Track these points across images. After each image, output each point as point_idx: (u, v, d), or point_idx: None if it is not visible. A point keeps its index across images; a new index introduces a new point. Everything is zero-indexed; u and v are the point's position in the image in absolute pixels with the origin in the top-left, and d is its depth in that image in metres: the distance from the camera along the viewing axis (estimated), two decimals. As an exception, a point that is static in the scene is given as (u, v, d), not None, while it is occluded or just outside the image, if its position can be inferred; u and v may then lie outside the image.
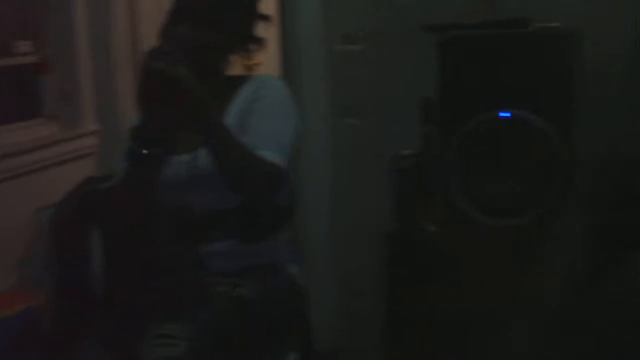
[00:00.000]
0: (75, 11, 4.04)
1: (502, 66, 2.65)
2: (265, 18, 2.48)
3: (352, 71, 3.44)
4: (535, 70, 2.63)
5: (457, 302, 2.50)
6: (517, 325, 2.47)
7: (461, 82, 2.68)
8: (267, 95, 2.31)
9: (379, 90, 3.24)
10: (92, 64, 4.12)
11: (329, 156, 3.55)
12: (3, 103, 3.97)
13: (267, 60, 2.53)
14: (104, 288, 2.48)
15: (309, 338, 2.48)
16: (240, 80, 2.41)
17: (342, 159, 3.51)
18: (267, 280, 2.33)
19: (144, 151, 2.08)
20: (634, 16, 2.82)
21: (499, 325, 2.48)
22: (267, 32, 2.47)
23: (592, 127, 2.73)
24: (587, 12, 2.89)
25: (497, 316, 2.46)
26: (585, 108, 2.69)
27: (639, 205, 2.55)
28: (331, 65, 3.57)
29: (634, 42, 2.82)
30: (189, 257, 2.31)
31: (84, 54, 4.09)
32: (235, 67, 2.43)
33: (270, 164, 2.14)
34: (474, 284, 2.49)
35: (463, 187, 2.53)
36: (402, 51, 3.13)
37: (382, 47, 3.22)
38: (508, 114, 2.55)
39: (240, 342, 2.21)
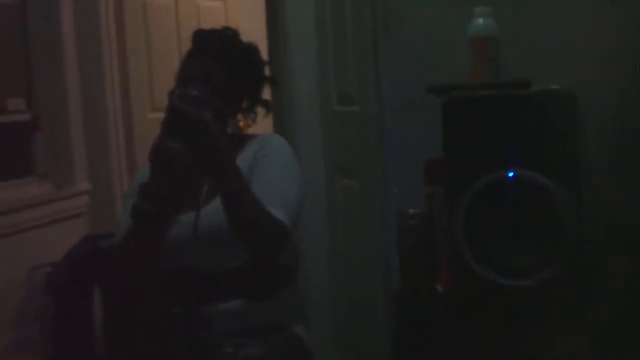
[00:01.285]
0: (67, 71, 4.05)
1: (506, 126, 2.67)
2: (273, 81, 2.52)
3: (349, 132, 3.46)
4: (538, 130, 2.65)
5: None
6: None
7: (465, 142, 2.69)
8: (273, 153, 2.33)
9: (377, 151, 3.25)
10: (84, 123, 4.11)
11: (326, 217, 3.56)
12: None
13: (260, 122, 2.56)
14: (105, 351, 2.45)
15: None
16: (242, 139, 2.42)
17: (339, 220, 3.51)
18: (274, 340, 2.31)
19: (152, 209, 2.07)
20: (619, 79, 2.87)
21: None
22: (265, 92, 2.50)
23: (598, 186, 2.75)
24: (580, 75, 2.94)
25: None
26: (589, 167, 2.72)
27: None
28: (328, 126, 3.60)
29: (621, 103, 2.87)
30: (193, 318, 2.29)
31: (76, 113, 4.08)
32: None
33: (278, 220, 2.15)
34: (484, 345, 2.47)
35: (470, 246, 2.52)
36: (402, 112, 3.15)
37: (382, 108, 3.24)
38: (514, 174, 2.57)
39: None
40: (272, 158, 2.31)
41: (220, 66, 2.33)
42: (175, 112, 2.04)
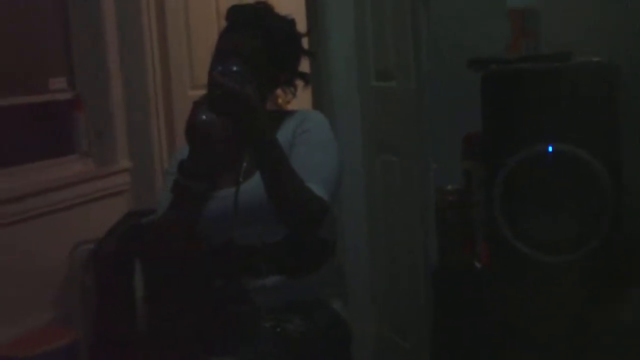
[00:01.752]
0: (108, 50, 4.08)
1: (546, 100, 2.65)
2: (310, 54, 2.51)
3: (388, 108, 3.45)
4: (579, 104, 2.63)
5: (506, 341, 2.47)
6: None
7: (504, 116, 2.68)
8: (312, 129, 2.33)
9: (416, 126, 3.24)
10: (124, 101, 4.15)
11: (364, 193, 3.56)
12: (38, 139, 4.00)
13: (299, 98, 2.56)
14: (145, 325, 2.48)
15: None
16: (281, 115, 2.42)
17: (377, 196, 3.51)
18: (312, 316, 2.32)
19: (191, 185, 2.13)
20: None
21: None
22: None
23: (639, 159, 2.73)
24: (620, 47, 2.90)
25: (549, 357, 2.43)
26: (630, 140, 2.69)
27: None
28: (367, 102, 3.59)
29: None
30: (234, 293, 2.31)
31: (117, 91, 4.11)
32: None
33: (317, 196, 2.16)
34: (522, 322, 2.47)
35: (508, 221, 2.52)
36: (441, 86, 3.13)
37: (421, 82, 3.22)
38: (553, 148, 2.55)
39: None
40: (311, 134, 2.32)
41: (255, 40, 2.33)
42: (217, 89, 2.06)
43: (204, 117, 2.07)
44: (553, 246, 2.46)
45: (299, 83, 2.47)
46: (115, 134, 4.08)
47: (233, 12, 2.41)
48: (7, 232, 3.43)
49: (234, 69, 2.10)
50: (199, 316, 2.33)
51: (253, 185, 2.25)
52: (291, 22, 2.45)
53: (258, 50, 2.32)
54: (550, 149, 2.54)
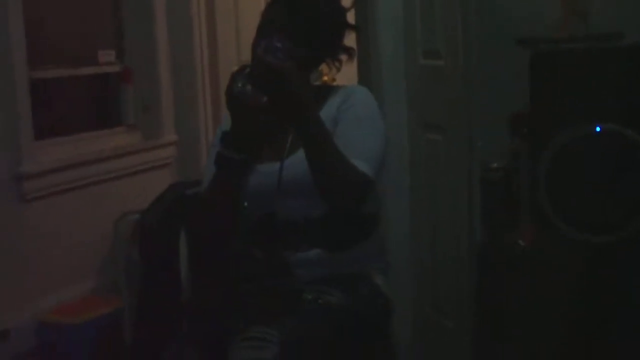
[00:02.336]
0: (157, 24, 4.12)
1: (595, 80, 2.64)
2: (354, 28, 2.51)
3: (435, 86, 3.45)
4: (629, 85, 2.61)
5: (550, 322, 2.47)
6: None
7: (552, 96, 2.67)
8: (357, 105, 2.33)
9: (462, 105, 3.24)
10: (172, 76, 4.19)
11: (409, 170, 3.57)
12: (86, 111, 4.06)
13: (345, 74, 2.56)
14: (191, 292, 2.52)
15: (392, 349, 2.48)
16: (327, 90, 2.43)
17: (423, 174, 3.51)
18: (354, 289, 2.33)
19: (234, 156, 2.16)
20: None
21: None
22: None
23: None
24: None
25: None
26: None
27: None
28: (414, 80, 3.59)
29: None
30: (277, 265, 2.33)
31: (165, 66, 4.16)
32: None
33: (360, 172, 2.17)
34: (566, 302, 2.46)
35: (554, 201, 2.51)
36: (488, 65, 3.12)
37: (468, 61, 3.22)
38: (601, 128, 2.54)
39: (328, 349, 2.22)
40: (356, 110, 2.32)
41: (299, 14, 2.34)
42: (260, 66, 2.08)
43: (240, 85, 2.12)
44: (596, 226, 2.46)
45: (344, 57, 2.47)
46: (162, 107, 4.13)
47: None
48: (54, 201, 3.50)
49: (277, 45, 2.10)
50: (241, 288, 2.37)
51: (297, 161, 2.26)
52: (339, 7, 2.45)
53: (301, 25, 2.32)
54: (598, 128, 2.54)
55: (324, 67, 2.47)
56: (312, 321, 2.21)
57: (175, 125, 4.20)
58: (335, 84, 2.57)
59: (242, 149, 2.17)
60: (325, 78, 3.17)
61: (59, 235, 3.48)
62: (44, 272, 3.41)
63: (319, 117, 2.16)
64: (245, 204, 2.30)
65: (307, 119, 2.13)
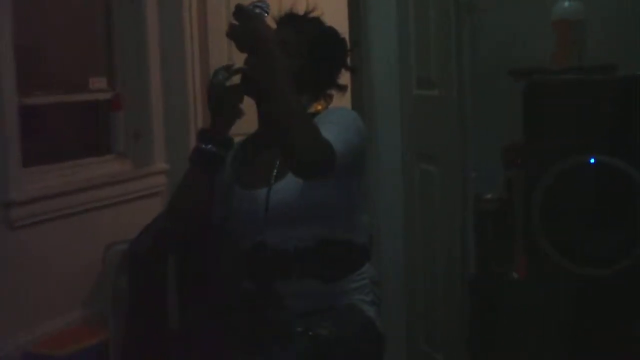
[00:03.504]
0: (149, 50, 4.13)
1: (588, 111, 2.66)
2: (352, 70, 2.55)
3: (429, 116, 3.46)
4: (623, 116, 2.63)
5: (543, 355, 2.47)
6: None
7: (546, 127, 2.69)
8: (333, 118, 2.31)
9: (456, 135, 3.25)
10: (164, 103, 4.19)
11: (402, 201, 3.57)
12: (76, 138, 4.06)
13: (337, 103, 2.58)
14: (179, 322, 2.52)
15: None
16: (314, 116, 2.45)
17: (416, 205, 3.52)
18: (345, 322, 2.33)
19: (207, 146, 2.28)
20: None
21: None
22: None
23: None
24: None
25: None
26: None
27: None
28: (407, 109, 3.61)
29: None
30: (266, 296, 2.33)
31: (157, 93, 4.16)
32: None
33: (326, 140, 2.11)
34: (559, 336, 2.46)
35: (548, 232, 2.52)
36: (483, 95, 3.15)
37: (461, 91, 3.24)
38: (595, 159, 2.55)
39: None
40: (331, 119, 2.29)
41: (298, 37, 2.39)
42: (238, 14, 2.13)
43: (220, 76, 2.29)
44: (592, 259, 2.46)
45: (334, 92, 2.50)
46: (153, 136, 4.12)
47: (285, 15, 2.47)
48: (42, 229, 3.48)
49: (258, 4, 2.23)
50: (230, 318, 2.37)
51: (285, 186, 2.29)
52: (337, 36, 2.49)
53: (297, 44, 2.38)
54: (592, 160, 2.55)
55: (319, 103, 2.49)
56: (302, 354, 2.20)
57: (166, 153, 4.19)
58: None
59: (217, 140, 2.29)
60: (319, 107, 3.19)
61: (47, 264, 3.46)
62: (30, 302, 3.39)
63: (287, 71, 2.12)
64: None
65: (274, 70, 2.10)
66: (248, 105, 2.35)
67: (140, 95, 4.11)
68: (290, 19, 2.46)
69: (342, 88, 2.49)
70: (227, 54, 4.55)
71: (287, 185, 2.27)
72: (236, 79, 2.31)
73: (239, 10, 2.12)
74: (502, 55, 3.16)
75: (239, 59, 2.31)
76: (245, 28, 2.11)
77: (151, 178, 4.11)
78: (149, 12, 4.12)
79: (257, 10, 2.20)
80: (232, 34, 2.13)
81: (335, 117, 2.30)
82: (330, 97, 2.48)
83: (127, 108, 4.11)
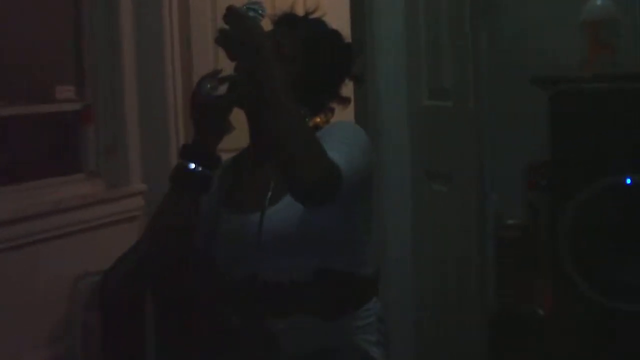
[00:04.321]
0: (124, 56, 4.14)
1: (624, 125, 2.68)
2: (357, 80, 2.56)
3: (441, 130, 3.48)
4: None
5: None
6: None
7: (575, 142, 2.71)
8: (336, 132, 2.32)
9: (472, 151, 3.26)
10: (140, 115, 4.20)
11: (411, 227, 3.58)
12: (40, 155, 4.06)
13: (338, 117, 2.58)
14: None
15: None
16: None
17: (426, 231, 3.53)
18: (347, 364, 2.35)
19: (191, 165, 2.26)
20: None
21: None
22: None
23: None
24: None
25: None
26: None
27: None
28: (417, 123, 3.62)
29: None
30: (258, 334, 2.34)
31: (132, 103, 4.16)
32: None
33: (331, 161, 2.10)
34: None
35: (577, 262, 2.53)
36: (502, 107, 3.17)
37: (479, 102, 3.26)
38: (631, 180, 2.57)
39: None
40: (334, 136, 2.29)
41: (297, 41, 2.40)
42: (229, 18, 2.14)
43: (208, 86, 2.27)
44: (626, 292, 2.47)
45: (339, 106, 2.51)
46: (128, 152, 4.12)
47: (283, 15, 2.49)
48: (2, 259, 3.49)
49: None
50: (220, 358, 2.37)
51: (281, 211, 2.29)
52: (342, 41, 2.50)
53: (295, 48, 2.39)
54: (628, 180, 2.56)
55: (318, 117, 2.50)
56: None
57: (144, 172, 4.19)
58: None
59: (203, 157, 2.27)
60: (319, 120, 3.21)
61: (8, 298, 3.47)
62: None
63: (284, 80, 2.12)
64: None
65: (269, 75, 2.10)
66: (239, 117, 2.36)
67: (114, 105, 4.11)
68: (288, 21, 2.47)
69: (344, 100, 2.50)
70: (214, 60, 4.57)
71: (283, 210, 2.27)
72: (224, 88, 2.31)
73: (231, 13, 2.12)
74: (525, 60, 3.19)
75: (227, 66, 2.31)
76: (237, 34, 2.12)
77: (126, 200, 4.11)
78: (123, 11, 4.13)
79: (251, 13, 2.21)
80: (222, 40, 2.13)
81: (339, 133, 2.30)
82: (332, 110, 2.49)
83: (99, 120, 4.11)
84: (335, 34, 2.51)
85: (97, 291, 3.19)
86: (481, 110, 3.21)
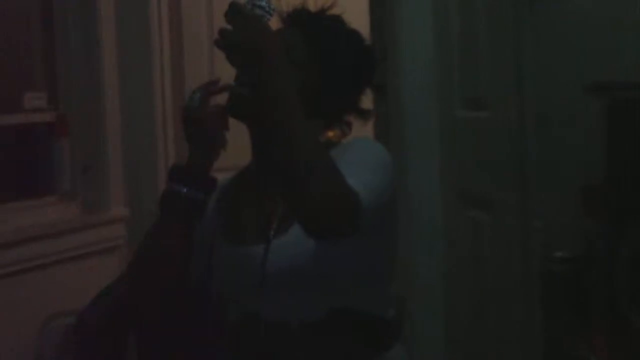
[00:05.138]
0: (103, 59, 4.15)
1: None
2: (378, 89, 2.54)
3: (478, 145, 3.47)
4: None
5: None
6: None
7: (636, 160, 2.69)
8: (356, 151, 2.31)
9: (515, 171, 3.26)
10: (122, 127, 4.21)
11: (443, 260, 3.57)
12: (6, 173, 4.06)
13: (355, 132, 2.57)
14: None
15: None
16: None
17: (462, 264, 3.52)
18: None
19: (184, 190, 2.24)
20: None
21: None
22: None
23: None
24: None
25: None
26: None
27: None
28: (449, 138, 3.61)
29: None
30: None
31: (113, 114, 4.18)
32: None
33: (350, 189, 2.08)
34: None
35: (637, 303, 2.52)
36: (551, 119, 3.16)
37: (522, 113, 3.25)
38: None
39: None
40: (352, 152, 2.31)
41: (311, 43, 2.38)
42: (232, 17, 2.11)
43: (198, 98, 2.26)
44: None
45: (358, 120, 2.50)
46: (108, 171, 4.14)
47: (294, 12, 2.47)
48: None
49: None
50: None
51: (289, 243, 2.26)
52: (363, 43, 2.49)
53: (309, 56, 2.37)
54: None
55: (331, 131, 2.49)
56: None
57: (126, 194, 4.21)
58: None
59: (196, 181, 2.25)
60: (331, 134, 3.20)
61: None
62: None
63: (295, 94, 2.08)
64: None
65: (277, 88, 2.05)
66: (240, 129, 2.35)
67: (92, 116, 4.13)
68: (300, 19, 2.45)
69: (364, 114, 2.48)
70: (208, 64, 4.58)
71: (292, 242, 2.24)
72: (221, 98, 2.30)
73: (233, 10, 2.11)
74: (577, 64, 3.18)
75: (225, 72, 2.30)
76: (240, 35, 2.10)
77: (105, 228, 4.12)
78: (102, 4, 4.14)
79: (257, 11, 2.19)
80: (224, 42, 2.11)
81: (359, 153, 2.28)
82: (349, 125, 2.47)
83: (74, 134, 4.12)
84: (356, 35, 2.49)
85: (71, 335, 3.17)
86: (524, 122, 3.20)
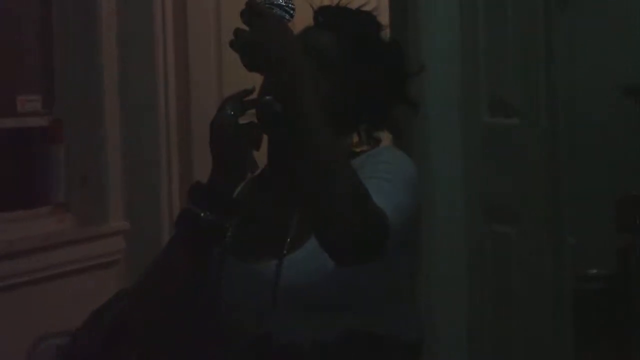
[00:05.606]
0: (102, 61, 4.15)
1: None
2: (414, 106, 2.50)
3: (505, 154, 3.47)
4: None
5: None
6: None
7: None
8: (381, 164, 2.31)
9: (545, 182, 3.26)
10: (123, 134, 4.21)
11: (466, 278, 3.57)
12: (-3, 183, 4.07)
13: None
14: None
15: None
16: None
17: (487, 281, 3.51)
18: None
19: (206, 213, 2.20)
20: None
21: None
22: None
23: None
24: None
25: None
26: None
27: None
28: (473, 146, 3.61)
29: None
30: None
31: (113, 119, 4.18)
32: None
33: (374, 206, 2.07)
34: None
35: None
36: (583, 125, 3.16)
37: (553, 120, 3.25)
38: None
39: None
40: (376, 165, 2.30)
41: (339, 45, 2.37)
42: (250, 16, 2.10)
43: (230, 112, 2.19)
44: None
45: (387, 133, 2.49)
46: (107, 180, 4.14)
47: (322, 11, 2.45)
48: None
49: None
50: None
51: (303, 259, 2.25)
52: (400, 51, 2.47)
53: (339, 58, 2.35)
54: None
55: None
56: None
57: (126, 206, 4.21)
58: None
59: (219, 204, 2.21)
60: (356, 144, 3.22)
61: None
62: None
63: (317, 104, 2.08)
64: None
65: (301, 95, 2.05)
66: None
67: (90, 122, 4.14)
68: (327, 18, 2.42)
69: (395, 129, 2.47)
70: (216, 69, 4.58)
71: (306, 258, 2.23)
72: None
73: (250, 10, 2.10)
74: (611, 67, 3.17)
75: (232, 60, 2.27)
76: (259, 36, 2.09)
77: (103, 241, 4.12)
78: (102, 6, 4.15)
79: (277, 11, 2.17)
80: (240, 43, 2.11)
81: (383, 167, 2.26)
82: (377, 140, 2.45)
83: (71, 140, 4.13)
84: (393, 41, 2.47)
85: (63, 357, 3.17)
86: (555, 130, 3.20)
